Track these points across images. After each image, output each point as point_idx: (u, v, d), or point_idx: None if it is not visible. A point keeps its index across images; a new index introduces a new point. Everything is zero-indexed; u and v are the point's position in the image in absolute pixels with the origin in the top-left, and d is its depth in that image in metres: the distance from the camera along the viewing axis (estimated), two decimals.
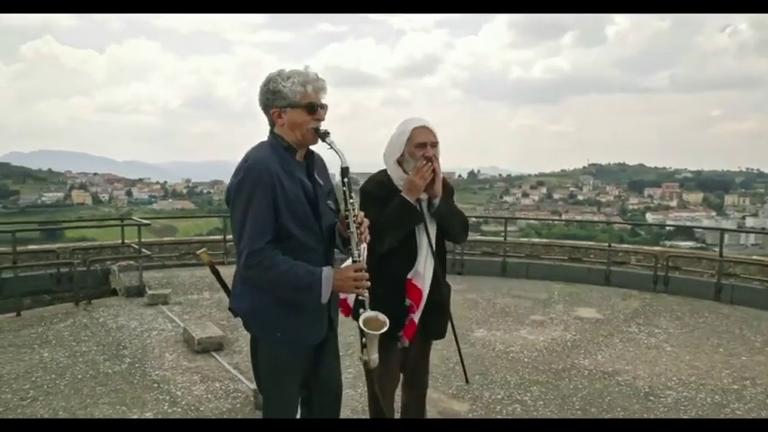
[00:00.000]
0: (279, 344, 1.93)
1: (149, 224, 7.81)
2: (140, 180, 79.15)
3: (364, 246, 1.93)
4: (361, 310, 1.91)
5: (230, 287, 2.04)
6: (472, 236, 10.21)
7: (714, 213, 63.02)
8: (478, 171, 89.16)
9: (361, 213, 1.92)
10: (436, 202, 2.33)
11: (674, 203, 66.11)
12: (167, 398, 3.66)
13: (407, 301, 2.31)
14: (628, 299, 6.80)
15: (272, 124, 1.95)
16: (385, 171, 2.39)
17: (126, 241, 8.40)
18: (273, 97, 1.89)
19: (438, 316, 2.43)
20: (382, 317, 1.91)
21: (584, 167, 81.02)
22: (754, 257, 8.21)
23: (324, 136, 1.90)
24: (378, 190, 2.28)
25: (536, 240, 9.36)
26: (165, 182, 79.85)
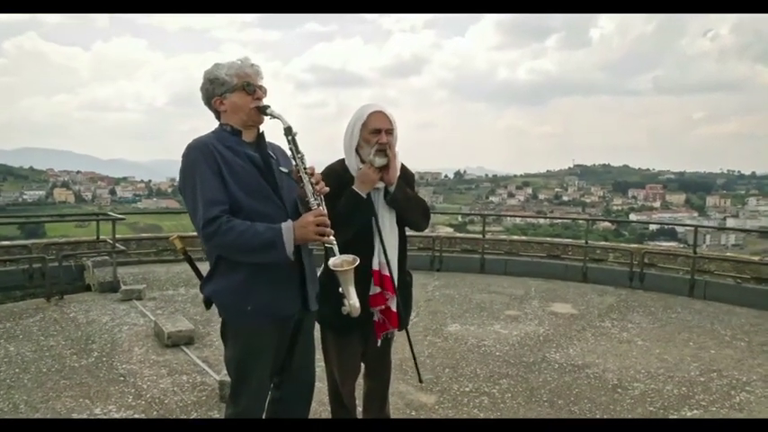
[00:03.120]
0: (249, 322, 1.91)
1: (124, 218, 7.72)
2: (124, 179, 78.32)
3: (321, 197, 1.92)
4: (331, 258, 1.86)
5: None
6: (452, 233, 10.24)
7: (696, 214, 63.87)
8: (465, 171, 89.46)
9: (312, 166, 1.94)
10: (391, 189, 2.31)
11: (657, 204, 66.91)
12: (132, 391, 3.61)
13: (377, 290, 2.29)
14: (603, 295, 6.85)
15: (218, 115, 1.99)
16: (342, 160, 2.37)
17: (102, 237, 8.29)
18: (213, 86, 1.95)
19: (405, 302, 2.42)
20: (350, 257, 1.87)
21: (569, 168, 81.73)
22: (727, 254, 8.33)
23: (264, 109, 1.94)
24: (332, 179, 2.22)
25: (515, 237, 9.41)
26: (150, 180, 79.05)
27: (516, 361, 4.34)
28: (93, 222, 8.45)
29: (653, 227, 53.81)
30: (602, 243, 8.85)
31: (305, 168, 1.88)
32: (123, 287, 6.52)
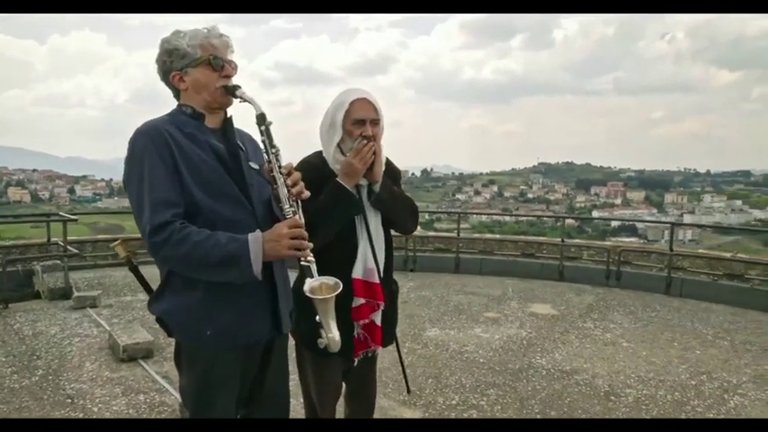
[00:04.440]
0: (209, 348, 1.56)
1: (76, 219, 7.18)
2: (84, 177, 75.47)
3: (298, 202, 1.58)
4: (308, 280, 1.51)
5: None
6: (424, 232, 10.01)
7: (655, 211, 65.73)
8: (431, 169, 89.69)
9: (290, 163, 1.58)
10: (376, 187, 1.99)
11: (618, 201, 68.55)
12: (80, 415, 3.20)
13: (360, 301, 1.97)
14: (581, 294, 6.71)
15: (177, 94, 1.64)
16: (320, 153, 2.04)
17: (53, 239, 7.71)
18: (171, 58, 1.59)
19: (389, 316, 2.11)
20: (331, 280, 1.52)
21: (533, 166, 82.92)
22: (700, 251, 8.35)
23: (233, 90, 1.59)
24: (309, 174, 1.87)
25: (489, 236, 9.24)
26: (111, 179, 76.37)
27: (502, 368, 4.10)
28: (52, 223, 7.84)
29: (614, 223, 55.03)
30: (578, 241, 8.76)
31: (280, 166, 1.54)
32: (76, 294, 6.03)
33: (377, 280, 1.99)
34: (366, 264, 1.98)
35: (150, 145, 1.49)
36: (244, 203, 1.58)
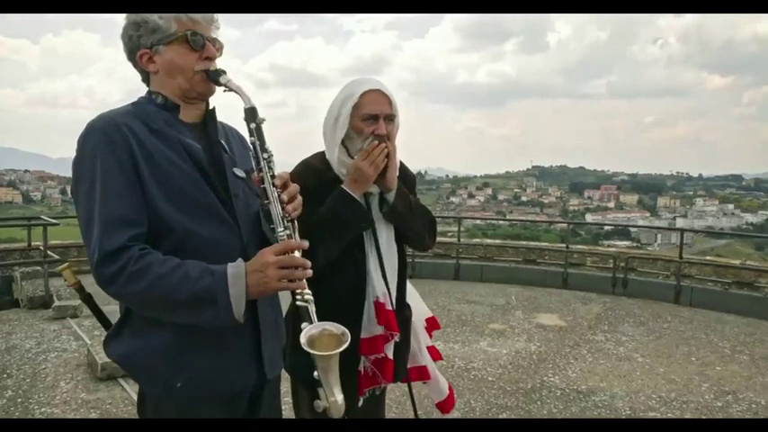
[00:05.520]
0: (180, 400, 1.22)
1: (57, 224, 6.82)
2: None
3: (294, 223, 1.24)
4: (304, 325, 1.14)
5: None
6: None
7: (648, 214, 65.89)
8: (425, 172, 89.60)
9: (285, 173, 1.26)
10: (390, 196, 1.66)
11: (611, 205, 68.63)
12: None
13: (377, 330, 1.66)
14: (588, 303, 6.44)
15: (146, 78, 1.30)
16: (322, 154, 1.71)
17: (35, 244, 7.34)
18: (138, 32, 1.24)
19: (402, 346, 1.79)
20: (336, 328, 1.14)
21: (527, 169, 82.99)
22: (708, 258, 8.11)
23: (216, 76, 1.24)
24: (309, 179, 1.58)
25: (489, 242, 8.95)
26: None
27: (513, 388, 3.80)
28: (37, 227, 7.44)
29: (607, 227, 54.95)
30: (582, 247, 8.50)
31: (272, 177, 1.20)
32: (56, 302, 5.70)
33: (389, 307, 1.67)
34: (377, 285, 1.67)
35: (104, 144, 1.14)
36: (226, 220, 1.24)
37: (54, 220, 6.74)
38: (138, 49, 1.25)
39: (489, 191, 74.47)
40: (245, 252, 1.23)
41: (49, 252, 6.39)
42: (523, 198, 72.51)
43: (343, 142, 1.65)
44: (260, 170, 1.19)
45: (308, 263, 1.16)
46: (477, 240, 9.20)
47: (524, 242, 8.88)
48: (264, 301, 1.31)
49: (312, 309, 1.16)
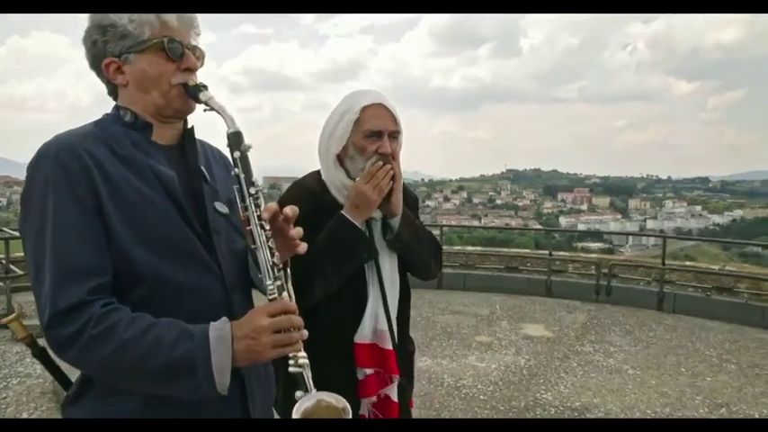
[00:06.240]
0: None
1: (21, 237, 6.44)
2: None
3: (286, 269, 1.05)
4: (298, 394, 0.97)
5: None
6: None
7: (620, 216, 67.21)
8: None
9: (273, 206, 1.03)
10: (395, 222, 1.50)
11: (584, 207, 69.85)
12: None
13: (369, 371, 1.49)
14: (573, 311, 6.38)
15: (113, 90, 1.10)
16: (317, 174, 1.55)
17: None
18: (104, 37, 1.04)
19: (406, 387, 1.63)
20: (337, 400, 0.97)
21: (502, 173, 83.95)
22: (687, 264, 8.16)
23: (196, 91, 1.05)
24: (304, 203, 1.37)
25: (471, 249, 8.86)
26: None
27: (506, 406, 3.68)
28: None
29: (580, 227, 55.80)
30: (564, 254, 8.46)
31: (259, 217, 0.99)
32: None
33: (389, 346, 1.51)
34: (376, 324, 1.50)
35: (58, 175, 0.94)
36: (206, 262, 1.05)
37: (17, 233, 6.38)
38: (103, 56, 1.05)
39: (464, 194, 75.05)
40: (228, 300, 1.06)
41: (11, 266, 6.05)
42: (498, 201, 73.25)
43: (342, 162, 1.49)
44: (245, 208, 1.00)
45: (302, 322, 0.98)
46: (458, 248, 9.11)
47: (506, 249, 8.82)
48: (241, 317, 1.08)
49: (308, 374, 0.98)
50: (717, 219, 67.87)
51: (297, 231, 1.07)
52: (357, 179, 1.44)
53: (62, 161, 0.95)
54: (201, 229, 1.06)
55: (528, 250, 8.84)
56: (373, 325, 1.50)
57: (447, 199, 73.19)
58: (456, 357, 4.68)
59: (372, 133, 1.44)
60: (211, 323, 0.96)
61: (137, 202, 0.99)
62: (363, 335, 1.49)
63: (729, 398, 3.94)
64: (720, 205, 71.12)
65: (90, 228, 0.94)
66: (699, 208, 70.12)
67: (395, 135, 1.48)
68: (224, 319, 0.97)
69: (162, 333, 0.92)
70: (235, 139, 1.01)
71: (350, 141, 1.46)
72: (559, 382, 4.13)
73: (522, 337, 5.29)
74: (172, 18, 1.05)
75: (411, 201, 1.66)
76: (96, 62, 1.07)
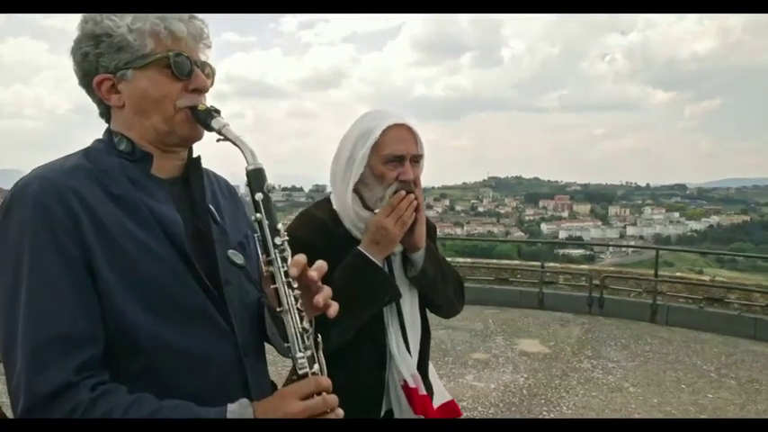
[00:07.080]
0: None
1: None
2: None
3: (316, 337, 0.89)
4: None
5: None
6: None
7: (600, 223, 67.95)
8: None
9: (302, 260, 0.86)
10: (418, 258, 1.36)
11: (565, 214, 70.47)
12: None
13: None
14: (567, 325, 6.30)
15: (106, 112, 0.93)
16: (327, 203, 1.40)
17: None
18: (97, 49, 0.86)
19: None
20: None
21: (484, 180, 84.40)
22: (678, 274, 8.15)
23: (207, 117, 0.88)
24: (314, 237, 1.28)
25: (461, 260, 8.75)
26: None
27: None
28: None
29: (562, 234, 56.31)
30: (555, 265, 8.40)
31: (286, 276, 0.82)
32: None
33: (424, 391, 1.37)
34: (402, 369, 1.36)
35: (38, 221, 0.76)
36: (216, 322, 0.88)
37: None
38: (95, 72, 0.87)
39: (447, 202, 75.18)
40: (240, 364, 0.90)
41: None
42: (480, 209, 73.55)
43: (356, 190, 1.35)
44: (269, 262, 0.82)
45: (336, 400, 0.83)
46: (449, 260, 8.98)
47: (496, 260, 8.73)
48: (256, 382, 0.94)
49: None
50: (694, 225, 69.00)
51: (326, 293, 0.89)
52: (377, 211, 1.30)
53: (42, 204, 0.77)
54: (211, 282, 0.88)
55: (518, 261, 8.78)
56: (399, 369, 1.36)
57: (429, 206, 73.24)
58: (453, 377, 4.55)
59: (394, 158, 1.30)
60: (229, 407, 0.79)
61: (134, 253, 0.82)
62: (392, 377, 1.36)
63: (734, 416, 3.86)
64: (698, 212, 72.36)
65: (76, 287, 0.77)
66: (677, 215, 71.24)
67: (417, 159, 1.34)
68: (244, 402, 0.81)
69: (165, 417, 0.76)
70: (256, 178, 0.83)
71: (367, 167, 1.32)
72: (561, 403, 4.02)
73: (518, 354, 5.18)
74: (178, 27, 0.86)
75: (431, 230, 1.53)
76: (86, 79, 0.89)
